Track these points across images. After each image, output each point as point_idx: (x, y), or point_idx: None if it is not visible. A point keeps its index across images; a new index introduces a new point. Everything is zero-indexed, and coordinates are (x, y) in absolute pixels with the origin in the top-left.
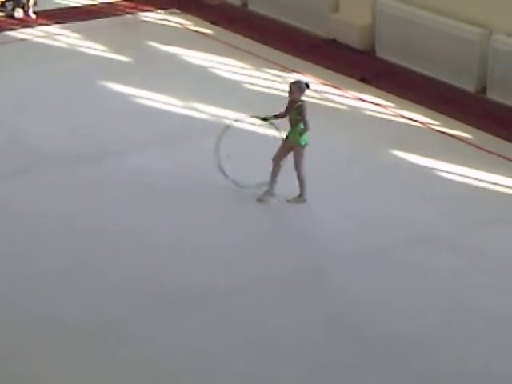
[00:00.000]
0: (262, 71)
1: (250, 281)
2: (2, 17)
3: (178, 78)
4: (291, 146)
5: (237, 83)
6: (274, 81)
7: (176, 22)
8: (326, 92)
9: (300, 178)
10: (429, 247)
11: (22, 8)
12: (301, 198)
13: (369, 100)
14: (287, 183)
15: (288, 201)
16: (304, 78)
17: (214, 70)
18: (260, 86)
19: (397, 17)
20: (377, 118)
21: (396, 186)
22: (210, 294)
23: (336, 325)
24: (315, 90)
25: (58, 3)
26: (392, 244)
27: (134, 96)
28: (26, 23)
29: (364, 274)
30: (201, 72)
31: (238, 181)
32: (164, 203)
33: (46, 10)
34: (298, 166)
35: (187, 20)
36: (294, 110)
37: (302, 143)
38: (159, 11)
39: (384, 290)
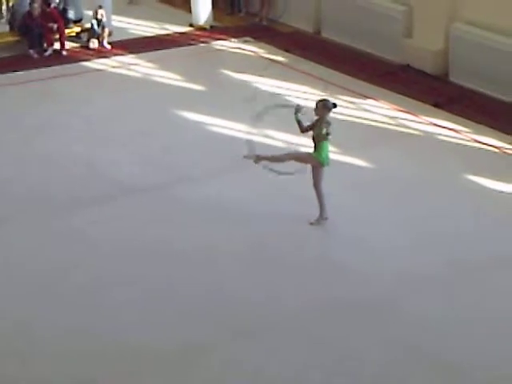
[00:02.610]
0: (335, 98)
1: (326, 304)
2: (77, 47)
3: (250, 106)
4: (314, 163)
5: (310, 110)
6: (347, 107)
7: (249, 50)
8: (399, 118)
9: (319, 197)
10: (508, 270)
11: (97, 39)
12: (321, 217)
13: (442, 125)
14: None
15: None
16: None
17: (287, 98)
18: (334, 112)
19: (470, 41)
20: (450, 142)
21: (469, 210)
22: (288, 318)
23: (415, 352)
24: (388, 116)
25: (133, 33)
26: (465, 267)
27: (207, 124)
28: (101, 54)
29: (436, 299)
30: (274, 99)
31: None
32: (237, 229)
33: (121, 41)
34: (316, 185)
35: (260, 48)
36: (319, 127)
37: (321, 161)
38: (233, 40)
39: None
